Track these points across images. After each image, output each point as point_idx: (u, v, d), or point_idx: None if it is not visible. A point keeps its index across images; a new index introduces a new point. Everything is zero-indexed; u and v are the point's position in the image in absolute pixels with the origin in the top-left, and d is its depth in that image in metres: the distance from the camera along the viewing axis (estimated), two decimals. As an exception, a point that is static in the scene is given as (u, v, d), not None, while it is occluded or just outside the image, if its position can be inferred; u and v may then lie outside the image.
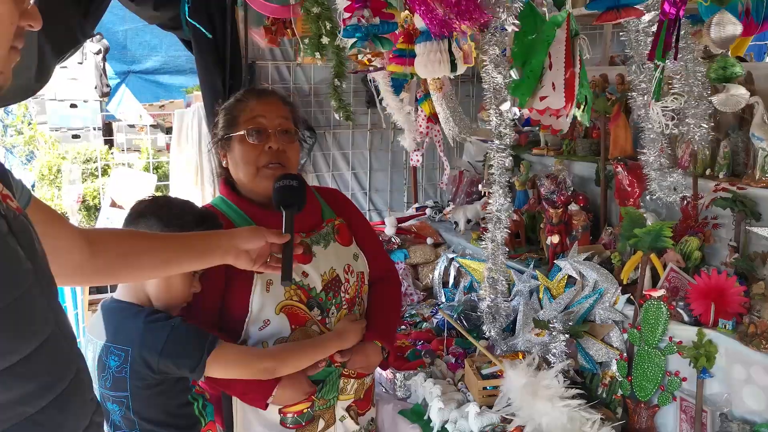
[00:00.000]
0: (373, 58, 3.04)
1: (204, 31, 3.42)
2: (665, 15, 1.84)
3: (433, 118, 3.77)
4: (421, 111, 3.83)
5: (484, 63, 2.24)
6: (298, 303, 1.87)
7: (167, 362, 1.64)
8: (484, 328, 2.58)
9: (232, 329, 1.88)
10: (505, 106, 2.28)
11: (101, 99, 5.96)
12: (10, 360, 0.92)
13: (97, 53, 5.40)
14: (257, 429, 1.92)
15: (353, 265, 2.01)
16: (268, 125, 1.92)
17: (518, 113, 2.44)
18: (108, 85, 6.29)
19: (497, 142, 2.30)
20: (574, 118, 2.51)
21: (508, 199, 2.35)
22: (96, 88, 5.80)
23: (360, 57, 3.21)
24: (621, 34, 2.17)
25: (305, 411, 1.91)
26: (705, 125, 2.06)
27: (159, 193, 4.86)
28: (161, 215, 1.72)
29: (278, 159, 1.90)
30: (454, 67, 2.48)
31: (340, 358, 1.93)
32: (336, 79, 3.76)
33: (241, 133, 1.91)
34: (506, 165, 2.31)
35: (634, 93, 2.16)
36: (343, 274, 1.97)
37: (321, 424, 1.96)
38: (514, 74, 2.32)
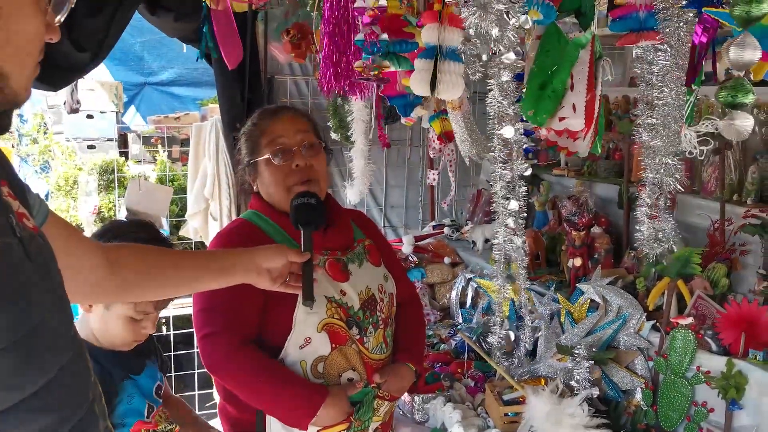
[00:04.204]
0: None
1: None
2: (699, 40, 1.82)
3: (443, 137, 3.70)
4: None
5: (490, 87, 2.17)
6: (338, 321, 1.84)
7: None
8: (492, 358, 2.53)
9: (271, 346, 1.84)
10: (508, 132, 2.21)
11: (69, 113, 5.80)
12: (26, 392, 0.87)
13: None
14: None
15: (385, 286, 1.99)
16: (291, 143, 1.90)
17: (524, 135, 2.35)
18: (78, 101, 6.14)
19: (499, 169, 2.23)
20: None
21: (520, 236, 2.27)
22: (65, 104, 5.64)
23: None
24: (633, 63, 2.10)
25: None
26: (672, 161, 1.95)
27: (173, 206, 4.85)
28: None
29: (307, 175, 1.88)
30: (433, 87, 2.33)
31: (378, 378, 1.89)
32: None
33: (266, 157, 1.89)
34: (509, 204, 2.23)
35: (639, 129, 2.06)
36: (378, 293, 1.94)
37: None
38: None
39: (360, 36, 2.27)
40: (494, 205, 2.28)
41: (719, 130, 1.87)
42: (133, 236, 1.68)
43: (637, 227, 2.12)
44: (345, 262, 1.91)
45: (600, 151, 2.66)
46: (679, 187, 1.98)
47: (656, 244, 2.06)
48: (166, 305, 1.80)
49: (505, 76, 2.06)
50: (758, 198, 2.46)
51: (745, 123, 1.77)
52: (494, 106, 2.14)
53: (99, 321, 1.68)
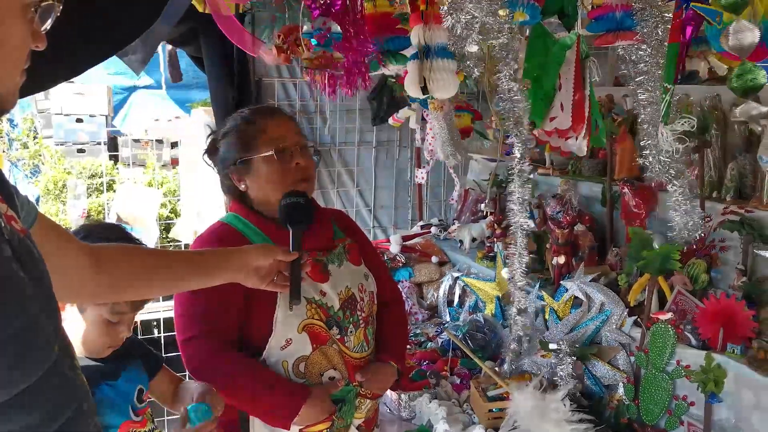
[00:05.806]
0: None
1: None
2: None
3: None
4: (430, 130, 3.81)
5: (500, 94, 2.19)
6: (318, 322, 1.86)
7: None
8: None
9: (253, 347, 1.86)
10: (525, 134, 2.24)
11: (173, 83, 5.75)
12: (13, 391, 0.89)
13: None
14: None
15: (365, 285, 2.01)
16: (291, 143, 1.92)
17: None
18: (181, 73, 6.05)
19: (518, 169, 2.26)
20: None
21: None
22: (170, 74, 5.64)
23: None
24: (619, 60, 2.14)
25: (324, 431, 1.89)
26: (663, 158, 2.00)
27: (163, 209, 4.86)
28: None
29: (305, 174, 1.91)
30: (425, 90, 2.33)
31: (360, 377, 1.92)
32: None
33: (268, 153, 1.88)
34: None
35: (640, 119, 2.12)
36: (358, 292, 1.97)
37: None
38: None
39: (307, 28, 2.30)
40: (510, 201, 2.31)
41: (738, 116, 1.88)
42: (99, 237, 1.65)
43: (674, 215, 2.14)
44: (325, 262, 1.93)
45: (605, 143, 2.70)
46: (675, 182, 2.02)
47: (687, 233, 2.10)
48: (142, 306, 1.76)
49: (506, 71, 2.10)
50: (737, 195, 2.49)
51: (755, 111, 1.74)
52: (503, 104, 2.17)
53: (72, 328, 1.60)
